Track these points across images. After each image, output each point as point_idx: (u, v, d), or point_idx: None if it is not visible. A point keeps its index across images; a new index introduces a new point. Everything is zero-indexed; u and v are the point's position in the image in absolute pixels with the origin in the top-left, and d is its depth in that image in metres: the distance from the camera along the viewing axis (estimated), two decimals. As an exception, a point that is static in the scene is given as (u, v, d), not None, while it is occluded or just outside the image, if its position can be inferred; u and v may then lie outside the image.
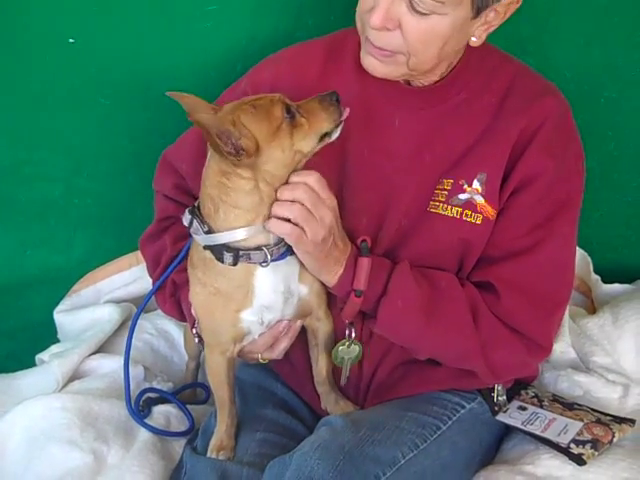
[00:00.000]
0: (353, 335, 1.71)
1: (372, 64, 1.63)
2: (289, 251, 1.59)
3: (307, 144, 1.53)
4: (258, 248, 1.54)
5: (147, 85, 2.12)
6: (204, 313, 1.66)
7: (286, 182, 1.54)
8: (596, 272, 2.42)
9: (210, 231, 1.55)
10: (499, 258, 1.68)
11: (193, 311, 1.70)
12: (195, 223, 1.57)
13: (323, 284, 1.66)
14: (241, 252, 1.53)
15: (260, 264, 1.55)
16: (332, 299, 1.71)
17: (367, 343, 1.74)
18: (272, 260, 1.55)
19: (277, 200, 1.53)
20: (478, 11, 1.53)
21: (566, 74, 2.14)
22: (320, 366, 1.76)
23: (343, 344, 1.72)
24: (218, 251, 1.54)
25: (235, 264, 1.54)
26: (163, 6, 2.06)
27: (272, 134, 1.50)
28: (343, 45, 1.77)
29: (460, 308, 1.65)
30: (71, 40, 2.05)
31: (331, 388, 1.78)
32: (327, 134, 1.55)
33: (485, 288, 1.68)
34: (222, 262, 1.54)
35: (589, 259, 2.40)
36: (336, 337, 1.74)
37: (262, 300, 1.59)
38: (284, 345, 1.72)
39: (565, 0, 2.18)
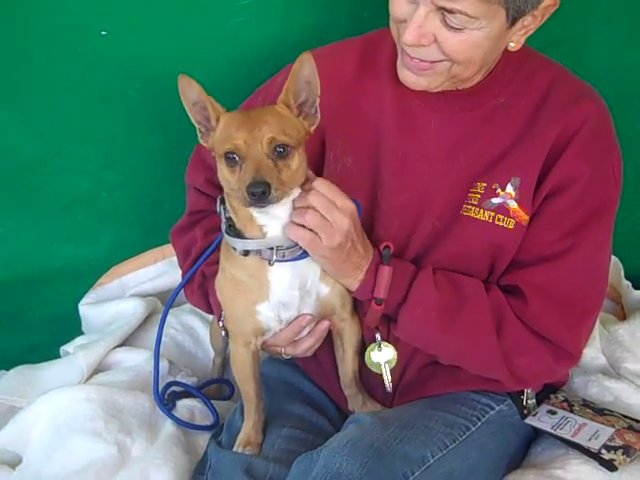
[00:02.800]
0: (380, 338, 1.70)
1: (410, 78, 1.62)
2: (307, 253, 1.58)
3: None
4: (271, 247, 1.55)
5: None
6: (224, 299, 1.68)
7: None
8: (627, 278, 2.39)
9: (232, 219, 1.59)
10: (529, 262, 1.65)
11: (218, 295, 1.69)
12: (222, 210, 1.61)
13: None
14: None
15: (268, 261, 1.56)
16: (358, 303, 1.70)
17: (396, 344, 1.72)
18: (283, 260, 1.55)
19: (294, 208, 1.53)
20: (514, 20, 1.52)
21: (601, 75, 2.10)
22: (346, 368, 1.74)
23: (373, 348, 1.71)
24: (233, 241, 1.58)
25: (246, 255, 1.57)
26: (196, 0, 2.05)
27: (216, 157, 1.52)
28: (379, 46, 1.75)
29: (483, 318, 1.62)
30: (103, 32, 2.04)
31: (358, 390, 1.76)
32: None
33: (513, 292, 1.65)
34: (235, 250, 1.58)
35: (620, 265, 2.37)
36: (365, 342, 1.73)
37: (278, 296, 1.59)
38: (307, 345, 1.71)
39: (600, 1, 2.16)
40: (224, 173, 1.50)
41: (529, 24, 1.56)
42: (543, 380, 1.80)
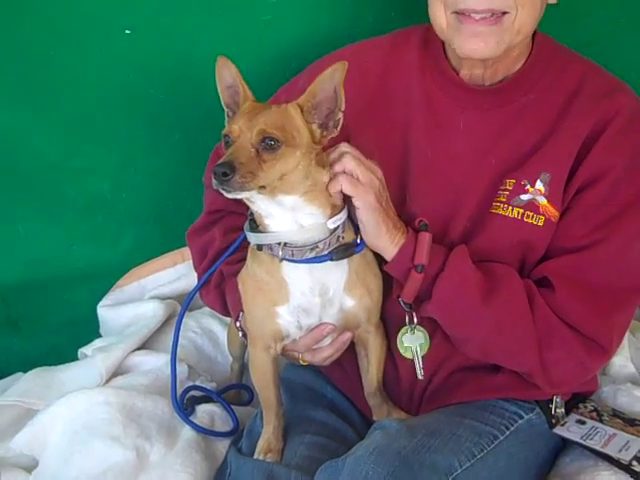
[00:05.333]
0: (416, 320, 1.65)
1: (475, 46, 1.57)
2: (326, 257, 1.53)
3: None
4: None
5: (201, 79, 2.07)
6: (245, 295, 1.64)
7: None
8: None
9: None
10: (557, 254, 1.61)
11: (240, 289, 1.66)
12: None
13: (374, 296, 1.62)
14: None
15: (278, 258, 1.53)
16: (389, 287, 1.65)
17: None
18: (292, 260, 1.52)
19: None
20: None
21: (632, 76, 2.06)
22: (371, 378, 1.70)
23: (406, 331, 1.66)
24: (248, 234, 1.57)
25: (260, 249, 1.55)
26: (221, -2, 2.03)
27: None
28: (406, 45, 1.73)
29: (518, 294, 1.58)
30: (127, 31, 2.02)
31: (382, 400, 1.72)
32: None
33: (540, 284, 1.61)
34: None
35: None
36: (396, 327, 1.68)
37: (298, 300, 1.56)
38: (326, 354, 1.67)
39: (631, 2, 2.12)
40: None
41: None
42: (574, 378, 1.71)
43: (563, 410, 1.75)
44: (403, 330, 1.67)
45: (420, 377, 1.68)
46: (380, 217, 1.55)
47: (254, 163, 1.42)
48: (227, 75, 1.53)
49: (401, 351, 1.68)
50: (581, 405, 1.81)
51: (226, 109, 1.56)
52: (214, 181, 1.40)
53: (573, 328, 1.59)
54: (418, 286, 1.58)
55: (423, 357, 1.67)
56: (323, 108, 1.50)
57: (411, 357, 1.67)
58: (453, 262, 1.58)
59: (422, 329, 1.66)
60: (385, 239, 1.57)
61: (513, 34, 1.57)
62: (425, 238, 1.57)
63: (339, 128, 1.51)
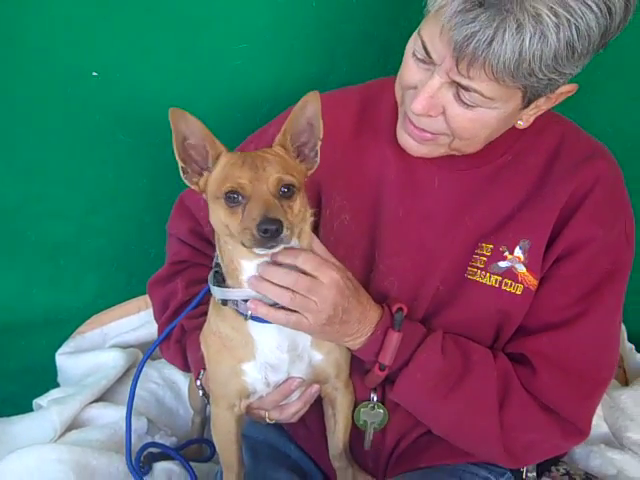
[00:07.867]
0: (376, 399, 1.61)
1: (410, 144, 1.56)
2: None
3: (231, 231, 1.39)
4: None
5: (170, 124, 2.04)
6: (208, 353, 1.57)
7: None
8: (630, 340, 2.31)
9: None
10: (537, 329, 1.56)
11: (203, 348, 1.58)
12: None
13: (343, 350, 1.56)
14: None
15: (244, 316, 1.45)
16: (358, 360, 1.59)
17: (393, 411, 1.62)
18: (254, 318, 1.45)
19: (267, 280, 1.41)
20: (529, 102, 1.45)
21: (608, 130, 2.03)
22: (337, 440, 1.64)
23: (365, 406, 1.61)
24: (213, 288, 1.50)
25: (224, 304, 1.47)
26: (191, 42, 1.97)
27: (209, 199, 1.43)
28: (380, 98, 1.69)
29: (487, 388, 1.53)
30: (94, 73, 1.97)
31: (348, 463, 1.66)
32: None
33: (520, 361, 1.56)
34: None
35: (623, 326, 2.28)
36: (358, 398, 1.63)
37: (265, 356, 1.49)
38: (294, 409, 1.61)
39: (608, 56, 2.10)
40: (220, 215, 1.38)
41: (542, 104, 1.50)
42: (544, 458, 1.68)
43: (535, 474, 1.70)
44: (363, 404, 1.62)
45: (367, 448, 1.63)
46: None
47: (283, 213, 1.35)
48: (184, 128, 1.42)
49: (357, 423, 1.62)
50: (553, 468, 1.76)
51: (181, 163, 1.45)
52: (259, 239, 1.31)
53: (551, 411, 1.54)
54: (380, 380, 1.55)
55: (375, 431, 1.63)
56: (300, 141, 1.46)
57: (363, 429, 1.63)
58: (419, 358, 1.52)
59: (383, 407, 1.62)
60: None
61: (450, 150, 1.54)
62: (392, 339, 1.50)
63: (318, 157, 1.47)
